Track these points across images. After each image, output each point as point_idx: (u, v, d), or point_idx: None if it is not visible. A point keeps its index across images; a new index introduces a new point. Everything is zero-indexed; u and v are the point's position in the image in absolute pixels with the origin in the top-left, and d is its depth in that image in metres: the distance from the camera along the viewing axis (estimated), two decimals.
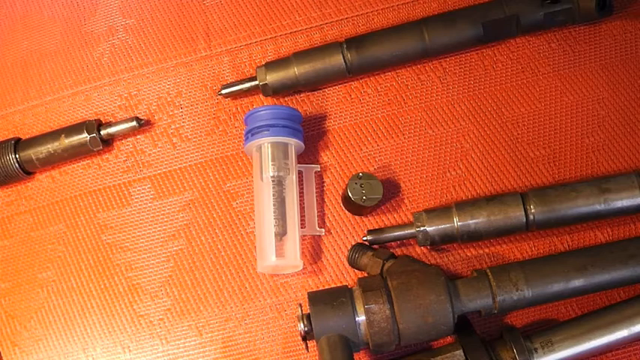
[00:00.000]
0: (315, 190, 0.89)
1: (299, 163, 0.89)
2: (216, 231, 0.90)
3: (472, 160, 0.89)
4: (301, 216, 0.87)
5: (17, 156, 0.92)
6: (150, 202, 0.92)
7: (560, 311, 0.83)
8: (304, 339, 0.75)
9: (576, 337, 0.75)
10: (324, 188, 0.90)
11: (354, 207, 0.85)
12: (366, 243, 0.84)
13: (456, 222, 0.79)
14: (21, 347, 0.90)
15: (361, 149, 0.91)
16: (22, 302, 0.91)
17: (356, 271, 0.86)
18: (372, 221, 0.88)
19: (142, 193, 0.93)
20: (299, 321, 0.74)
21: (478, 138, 0.90)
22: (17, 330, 0.91)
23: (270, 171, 0.84)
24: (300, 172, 0.89)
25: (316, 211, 0.88)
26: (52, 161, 0.93)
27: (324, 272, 0.87)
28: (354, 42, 0.89)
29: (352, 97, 0.93)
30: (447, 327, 0.73)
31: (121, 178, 0.94)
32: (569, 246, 0.85)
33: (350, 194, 0.83)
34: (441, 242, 0.81)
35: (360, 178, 0.83)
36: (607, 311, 0.77)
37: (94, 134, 0.91)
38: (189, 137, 0.94)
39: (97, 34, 1.02)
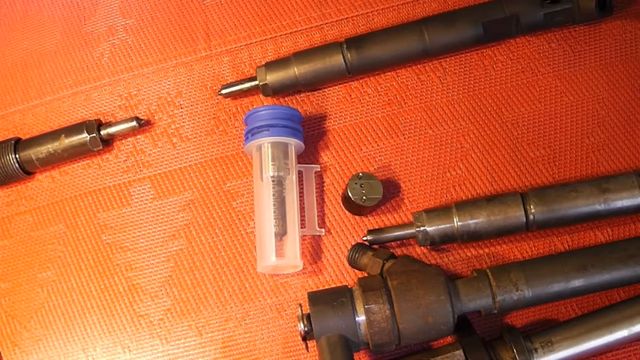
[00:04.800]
0: (315, 190, 0.89)
1: (299, 163, 0.89)
2: (216, 231, 0.90)
3: (472, 160, 0.89)
4: (301, 216, 0.87)
5: (17, 156, 0.92)
6: (150, 202, 0.92)
7: (560, 311, 0.83)
8: (304, 339, 0.75)
9: (576, 337, 0.75)
10: (324, 188, 0.90)
11: (354, 207, 0.85)
12: (366, 243, 0.84)
13: (456, 222, 0.79)
14: (21, 347, 0.90)
15: (361, 149, 0.91)
16: (22, 302, 0.92)
17: (356, 271, 0.86)
18: (372, 221, 0.88)
19: (142, 193, 0.93)
20: (299, 321, 0.74)
21: (478, 138, 0.90)
22: (17, 330, 0.91)
23: (270, 171, 0.84)
24: (300, 172, 0.89)
25: (316, 211, 0.88)
26: (52, 161, 0.93)
27: (324, 272, 0.87)
28: (354, 42, 0.89)
29: (352, 97, 0.93)
30: (447, 327, 0.73)
31: (121, 178, 0.94)
32: (569, 246, 0.85)
33: (350, 194, 0.83)
34: (441, 242, 0.81)
35: (360, 178, 0.83)
36: (607, 311, 0.77)
37: (94, 134, 0.91)
38: (189, 137, 0.94)
39: (97, 34, 1.02)
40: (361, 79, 0.93)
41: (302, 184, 0.89)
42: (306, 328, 0.74)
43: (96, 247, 0.92)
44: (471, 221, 0.79)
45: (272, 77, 0.89)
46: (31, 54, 1.03)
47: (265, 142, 0.85)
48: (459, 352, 0.74)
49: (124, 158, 0.95)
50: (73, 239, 0.93)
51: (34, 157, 0.92)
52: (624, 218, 0.84)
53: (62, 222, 0.94)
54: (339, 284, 0.85)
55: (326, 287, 0.80)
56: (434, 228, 0.80)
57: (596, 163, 0.88)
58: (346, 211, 0.88)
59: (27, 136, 0.96)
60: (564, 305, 0.83)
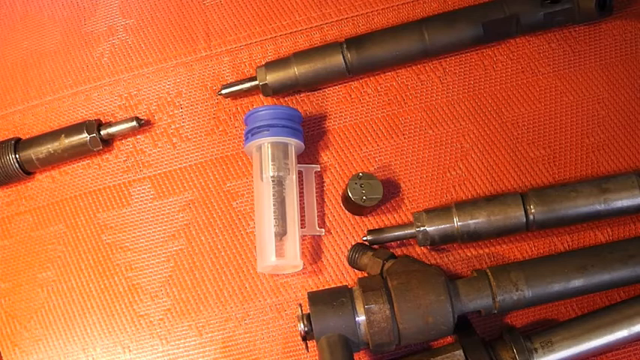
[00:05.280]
0: (315, 190, 0.89)
1: (299, 163, 0.89)
2: (216, 231, 0.90)
3: (472, 160, 0.89)
4: (301, 216, 0.87)
5: (17, 156, 0.92)
6: (150, 202, 0.92)
7: (560, 311, 0.83)
8: (304, 339, 0.75)
9: (576, 337, 0.75)
10: (324, 188, 0.90)
11: (354, 207, 0.85)
12: (366, 243, 0.84)
13: (456, 222, 0.79)
14: (21, 347, 0.90)
15: (361, 149, 0.91)
16: (22, 302, 0.91)
17: (356, 271, 0.86)
18: (372, 221, 0.88)
19: (142, 193, 0.93)
20: (299, 321, 0.74)
21: (478, 138, 0.90)
22: (17, 330, 0.91)
23: (270, 171, 0.84)
24: (300, 172, 0.89)
25: (316, 211, 0.88)
26: (52, 161, 0.93)
27: (324, 272, 0.87)
28: (354, 42, 0.89)
29: (352, 97, 0.93)
30: (447, 327, 0.73)
31: (121, 178, 0.94)
32: (569, 246, 0.85)
33: (350, 194, 0.83)
34: (441, 242, 0.81)
35: (360, 178, 0.83)
36: (607, 311, 0.77)
37: (94, 134, 0.91)
38: (189, 137, 0.94)
39: (97, 34, 1.02)
40: (361, 79, 0.93)
41: (302, 184, 0.89)
42: (306, 328, 0.74)
43: (96, 247, 0.92)
44: (470, 221, 0.79)
45: (272, 77, 0.89)
46: (31, 54, 1.03)
47: (265, 142, 0.85)
48: (459, 352, 0.74)
49: (124, 158, 0.95)
50: (73, 239, 0.93)
51: (34, 157, 0.92)
52: (624, 218, 0.84)
53: (62, 222, 0.94)
54: (339, 284, 0.85)
55: (326, 287, 0.80)
56: (434, 228, 0.80)
57: (596, 163, 0.88)
58: (346, 211, 0.88)
59: (27, 136, 0.96)
60: (564, 305, 0.83)
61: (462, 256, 0.85)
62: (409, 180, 0.89)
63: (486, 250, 0.85)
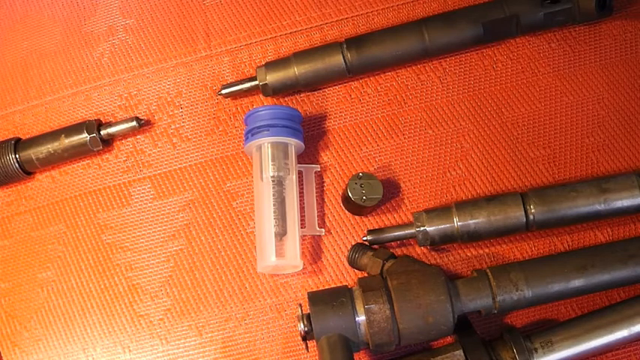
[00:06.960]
0: (315, 190, 0.89)
1: (299, 163, 0.89)
2: (216, 231, 0.90)
3: (472, 160, 0.89)
4: (301, 216, 0.87)
5: (17, 156, 0.92)
6: (150, 202, 0.92)
7: (560, 311, 0.83)
8: (304, 339, 0.75)
9: (576, 337, 0.75)
10: (324, 188, 0.90)
11: (354, 207, 0.85)
12: (366, 243, 0.84)
13: (456, 222, 0.79)
14: (21, 347, 0.90)
15: (361, 149, 0.91)
16: (22, 302, 0.92)
17: (356, 271, 0.86)
18: (372, 221, 0.88)
19: (142, 193, 0.93)
20: (299, 321, 0.74)
21: (478, 138, 0.90)
22: (17, 330, 0.91)
23: (270, 171, 0.84)
24: (300, 172, 0.89)
25: (316, 211, 0.88)
26: (52, 161, 0.93)
27: (324, 272, 0.87)
28: (354, 42, 0.89)
29: (352, 97, 0.93)
30: (447, 327, 0.73)
31: (121, 178, 0.94)
32: (569, 246, 0.85)
33: (350, 194, 0.83)
34: (441, 242, 0.81)
35: (360, 178, 0.83)
36: (607, 311, 0.77)
37: (94, 134, 0.91)
38: (189, 137, 0.94)
39: (97, 34, 1.02)
40: (361, 79, 0.94)
41: (302, 184, 0.89)
42: (306, 328, 0.74)
43: (96, 247, 0.92)
44: (471, 221, 0.79)
45: (272, 77, 0.89)
46: (31, 54, 1.03)
47: (265, 142, 0.85)
48: (459, 352, 0.74)
49: (124, 158, 0.95)
50: (73, 239, 0.93)
51: (34, 157, 0.92)
52: (624, 218, 0.84)
53: (62, 222, 0.94)
54: (339, 284, 0.85)
55: (326, 287, 0.80)
56: (434, 228, 0.80)
57: (596, 163, 0.88)
58: (346, 211, 0.88)
59: (27, 136, 0.96)
60: (564, 305, 0.83)
61: (462, 256, 0.85)
62: (409, 180, 0.89)
63: (486, 250, 0.85)
